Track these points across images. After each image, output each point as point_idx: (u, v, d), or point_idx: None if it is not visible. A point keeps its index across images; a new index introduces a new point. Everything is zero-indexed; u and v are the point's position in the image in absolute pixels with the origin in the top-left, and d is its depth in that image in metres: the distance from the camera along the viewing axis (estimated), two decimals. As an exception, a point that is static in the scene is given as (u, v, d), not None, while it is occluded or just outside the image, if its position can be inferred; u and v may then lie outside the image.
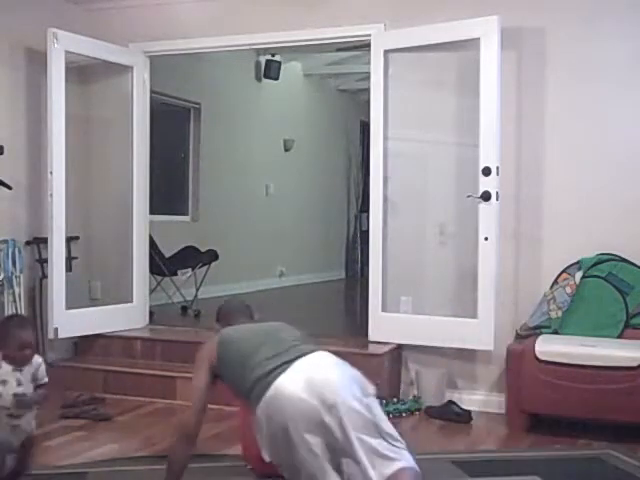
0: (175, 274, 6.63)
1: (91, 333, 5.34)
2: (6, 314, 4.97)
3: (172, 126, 7.62)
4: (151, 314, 5.79)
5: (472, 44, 4.55)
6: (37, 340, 3.37)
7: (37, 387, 3.18)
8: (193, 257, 6.77)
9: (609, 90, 4.55)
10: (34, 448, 3.28)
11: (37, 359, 3.20)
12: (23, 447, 3.18)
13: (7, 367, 3.11)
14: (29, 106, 5.25)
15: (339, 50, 7.44)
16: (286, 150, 9.21)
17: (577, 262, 4.52)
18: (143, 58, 5.59)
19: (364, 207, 9.14)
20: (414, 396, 4.77)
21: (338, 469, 2.59)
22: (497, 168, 4.51)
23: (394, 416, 4.55)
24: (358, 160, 10.38)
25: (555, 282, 4.57)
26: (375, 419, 2.66)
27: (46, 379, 3.21)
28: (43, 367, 3.20)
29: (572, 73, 4.60)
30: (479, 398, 4.77)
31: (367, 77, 5.18)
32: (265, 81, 8.50)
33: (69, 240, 5.27)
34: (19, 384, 3.11)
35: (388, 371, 4.79)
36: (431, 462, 3.74)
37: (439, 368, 4.83)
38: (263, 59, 8.34)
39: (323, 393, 2.60)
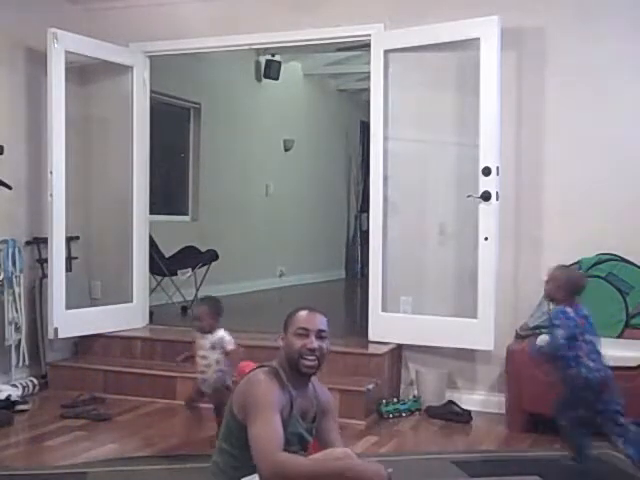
0: (175, 274, 6.62)
1: (91, 333, 5.35)
2: (6, 314, 4.99)
3: (172, 126, 7.61)
4: (151, 314, 5.79)
5: (472, 44, 4.55)
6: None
7: (224, 353, 3.85)
8: (193, 257, 6.77)
9: (609, 90, 4.56)
10: (222, 401, 3.64)
11: (219, 332, 3.87)
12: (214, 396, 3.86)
13: (199, 335, 3.91)
14: (29, 106, 5.25)
15: (339, 50, 7.44)
16: (286, 150, 9.20)
17: (577, 262, 4.52)
18: (143, 58, 5.59)
19: (364, 207, 9.14)
20: (414, 396, 4.77)
21: None
22: (497, 168, 4.51)
23: (394, 416, 4.56)
24: (358, 160, 10.37)
25: (555, 282, 4.56)
26: None
27: (231, 346, 3.84)
28: (225, 339, 3.84)
29: (572, 73, 4.60)
30: (479, 398, 4.77)
31: (367, 77, 5.18)
32: (265, 81, 8.50)
33: (69, 240, 5.27)
34: (201, 348, 3.87)
35: (388, 371, 4.79)
36: (431, 462, 3.76)
37: (439, 368, 4.83)
38: (263, 59, 8.34)
39: None
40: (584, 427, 3.49)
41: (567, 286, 3.47)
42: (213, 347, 3.86)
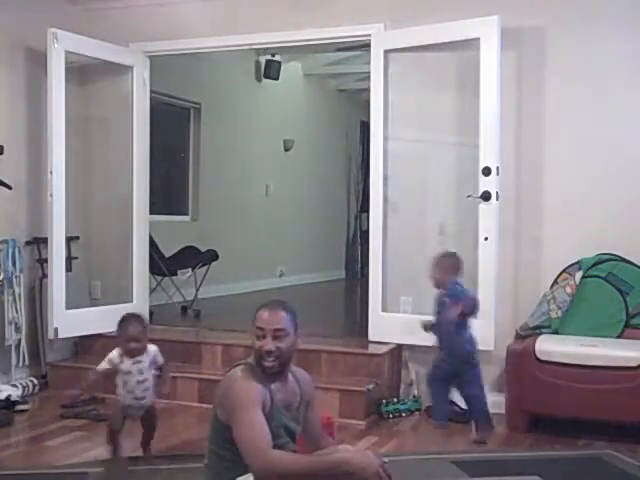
0: (175, 274, 6.62)
1: (91, 333, 5.34)
2: (6, 314, 4.99)
3: (172, 126, 7.61)
4: (151, 314, 5.78)
5: (472, 44, 4.55)
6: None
7: (157, 369, 3.72)
8: (193, 257, 6.76)
9: (609, 90, 4.56)
10: (155, 416, 3.79)
11: (152, 347, 3.69)
12: (147, 417, 3.73)
13: (128, 361, 3.60)
14: (29, 106, 5.25)
15: (339, 50, 7.44)
16: (286, 150, 9.20)
17: (577, 262, 4.52)
18: (143, 58, 5.59)
19: (364, 207, 9.14)
20: (414, 396, 4.77)
21: None
22: (497, 168, 4.51)
23: (394, 416, 4.55)
24: (358, 160, 10.37)
25: (555, 282, 4.57)
26: None
27: (162, 359, 3.73)
28: (158, 353, 3.71)
29: (572, 73, 4.60)
30: (479, 398, 4.76)
31: (367, 77, 5.19)
32: (265, 81, 8.50)
33: (69, 240, 5.27)
34: (140, 373, 3.62)
35: (388, 371, 4.79)
36: (431, 462, 3.75)
37: (439, 368, 4.83)
38: (263, 59, 8.34)
39: None
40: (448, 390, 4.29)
41: (452, 269, 4.16)
42: (150, 365, 3.66)
